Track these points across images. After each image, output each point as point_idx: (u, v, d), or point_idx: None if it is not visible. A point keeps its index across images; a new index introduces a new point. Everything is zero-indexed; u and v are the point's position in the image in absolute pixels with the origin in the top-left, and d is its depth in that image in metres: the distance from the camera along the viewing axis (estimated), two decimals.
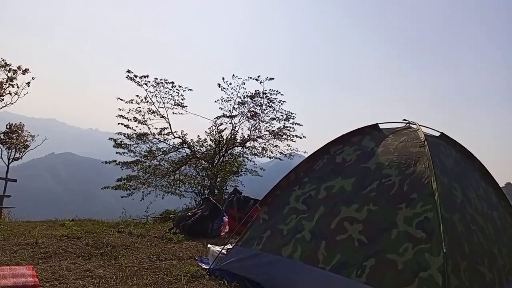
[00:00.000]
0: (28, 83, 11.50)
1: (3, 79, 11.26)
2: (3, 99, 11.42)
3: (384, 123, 3.20)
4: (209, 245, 3.57)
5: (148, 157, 9.77)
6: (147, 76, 9.28)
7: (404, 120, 3.16)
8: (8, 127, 13.15)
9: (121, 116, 9.36)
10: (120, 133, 9.68)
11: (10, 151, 13.28)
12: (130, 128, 9.49)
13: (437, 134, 3.14)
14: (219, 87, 9.80)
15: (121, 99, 9.34)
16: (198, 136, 10.59)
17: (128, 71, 9.27)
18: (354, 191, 2.75)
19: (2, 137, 12.97)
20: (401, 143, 2.92)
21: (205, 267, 3.25)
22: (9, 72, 11.29)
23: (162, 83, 9.46)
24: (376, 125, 3.18)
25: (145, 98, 9.43)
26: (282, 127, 10.07)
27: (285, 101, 9.99)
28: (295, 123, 10.08)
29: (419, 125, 3.02)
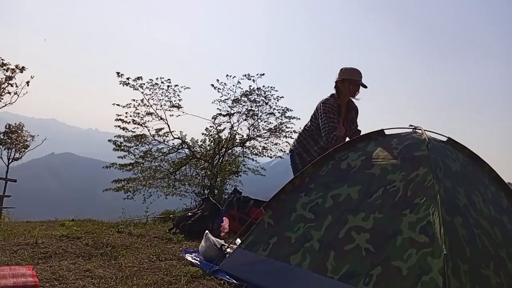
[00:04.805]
0: (27, 82, 11.49)
1: (1, 78, 11.26)
2: (2, 99, 11.42)
3: (390, 128, 3.19)
4: (207, 231, 3.60)
5: (148, 159, 9.77)
6: (141, 78, 9.24)
7: (411, 125, 3.15)
8: (7, 127, 13.17)
9: (120, 119, 9.34)
10: (119, 136, 9.68)
11: (10, 151, 13.29)
12: (129, 131, 9.48)
13: (444, 139, 3.12)
14: (214, 88, 9.76)
15: (118, 105, 9.32)
16: (192, 138, 10.58)
17: (119, 75, 9.16)
18: (360, 199, 2.73)
19: (2, 137, 12.97)
20: (405, 147, 2.91)
21: (190, 259, 3.32)
22: (7, 71, 11.28)
23: (157, 84, 9.41)
24: (382, 131, 3.16)
25: (142, 101, 9.41)
26: (279, 123, 10.02)
27: (282, 96, 9.93)
28: (293, 117, 10.03)
29: (424, 130, 3.01)
